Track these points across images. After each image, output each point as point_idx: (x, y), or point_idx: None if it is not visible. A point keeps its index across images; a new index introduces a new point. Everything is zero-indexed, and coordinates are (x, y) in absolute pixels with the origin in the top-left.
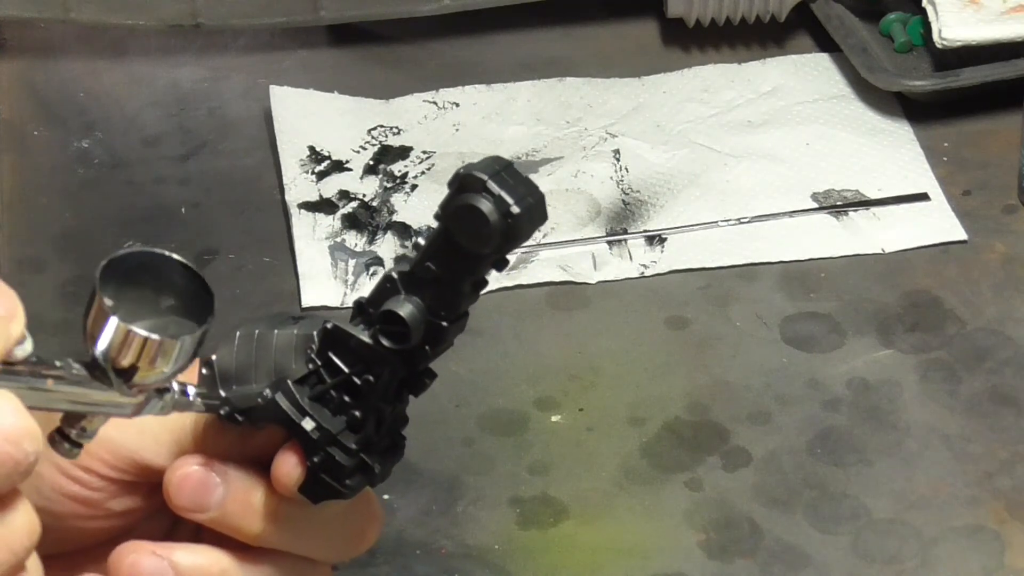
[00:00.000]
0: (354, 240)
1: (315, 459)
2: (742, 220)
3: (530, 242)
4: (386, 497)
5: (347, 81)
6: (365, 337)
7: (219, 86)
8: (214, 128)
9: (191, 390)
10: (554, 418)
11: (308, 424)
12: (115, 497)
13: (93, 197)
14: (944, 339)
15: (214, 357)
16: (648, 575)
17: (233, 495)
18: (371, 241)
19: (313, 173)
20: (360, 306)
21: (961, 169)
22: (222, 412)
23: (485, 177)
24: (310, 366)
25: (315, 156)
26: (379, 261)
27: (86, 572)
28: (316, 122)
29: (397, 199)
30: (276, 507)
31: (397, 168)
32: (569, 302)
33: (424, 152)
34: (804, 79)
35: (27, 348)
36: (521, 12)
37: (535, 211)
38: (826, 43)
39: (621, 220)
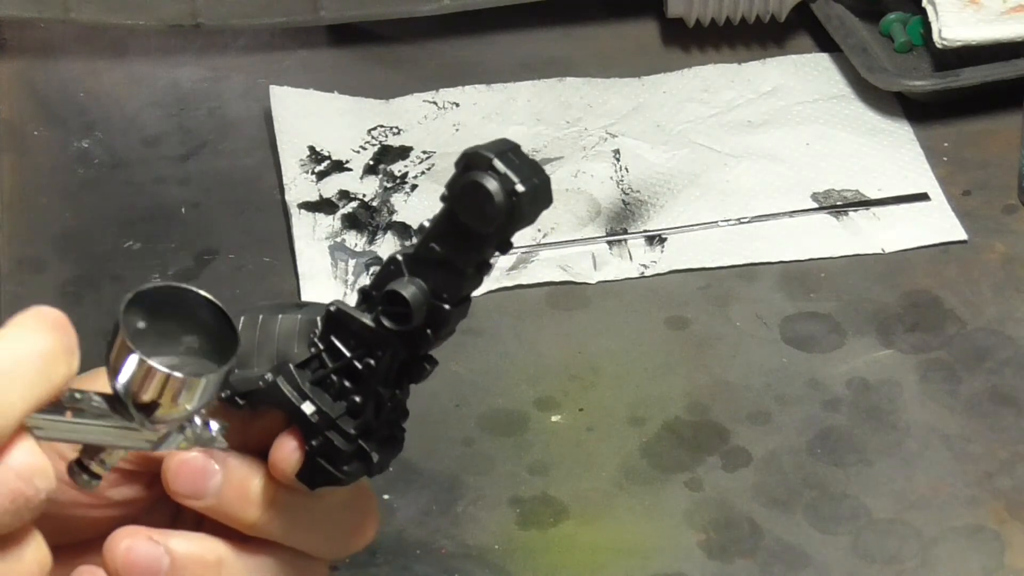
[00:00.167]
0: (354, 240)
1: (313, 443)
2: (742, 220)
3: (530, 242)
4: (386, 497)
5: (347, 81)
6: (368, 320)
7: (219, 86)
8: (214, 128)
9: (214, 426)
10: (554, 418)
11: (308, 408)
12: (116, 486)
13: (93, 197)
14: (944, 339)
15: None
16: (648, 575)
17: (231, 482)
18: (371, 241)
19: (313, 173)
20: (365, 293)
21: (961, 169)
22: (223, 396)
23: (491, 155)
24: (312, 350)
25: (315, 156)
26: (379, 261)
27: (87, 564)
28: (316, 122)
29: (397, 199)
30: (274, 495)
31: (397, 168)
32: (569, 302)
33: (424, 152)
34: (804, 79)
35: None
36: (521, 12)
37: (540, 192)
38: (826, 43)
39: (621, 220)
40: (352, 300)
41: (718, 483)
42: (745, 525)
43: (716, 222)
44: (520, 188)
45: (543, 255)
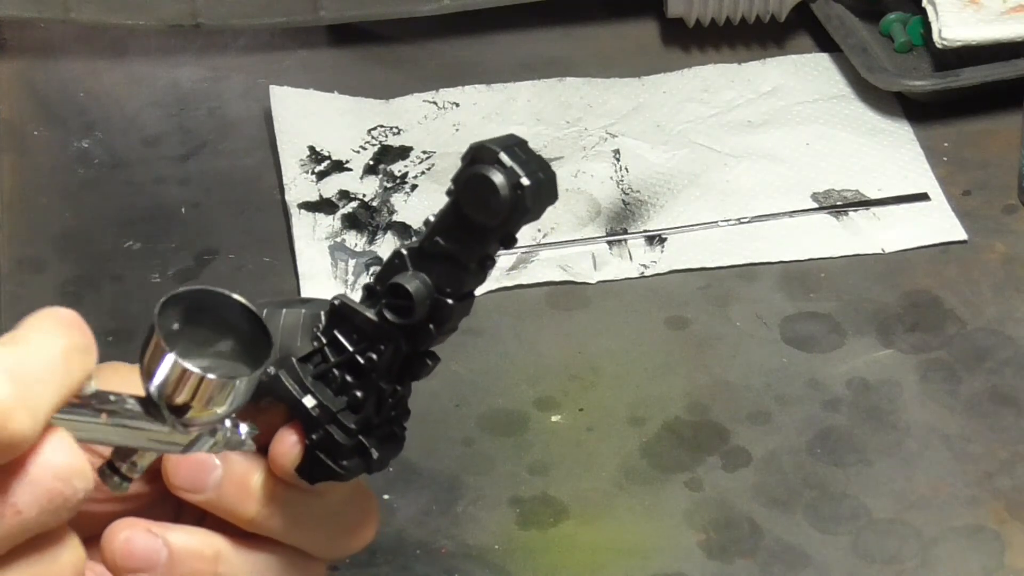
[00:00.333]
0: (354, 240)
1: (314, 436)
2: (742, 220)
3: (530, 242)
4: (386, 497)
5: (347, 81)
6: (371, 314)
7: (219, 86)
8: (214, 128)
9: (244, 429)
10: (554, 418)
11: (309, 401)
12: None
13: (93, 197)
14: (944, 339)
15: None
16: (648, 575)
17: (231, 477)
18: (371, 241)
19: (313, 173)
20: (370, 290)
21: (961, 169)
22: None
23: (498, 149)
24: (315, 344)
25: (315, 156)
26: (379, 261)
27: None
28: (316, 122)
29: (397, 199)
30: (273, 491)
31: (397, 168)
32: (569, 302)
33: (424, 152)
34: (804, 79)
35: (92, 385)
36: (521, 12)
37: (545, 187)
38: (826, 43)
39: (621, 220)
40: (354, 298)
41: (718, 483)
42: (745, 525)
43: (716, 222)
44: (525, 182)
45: (543, 255)
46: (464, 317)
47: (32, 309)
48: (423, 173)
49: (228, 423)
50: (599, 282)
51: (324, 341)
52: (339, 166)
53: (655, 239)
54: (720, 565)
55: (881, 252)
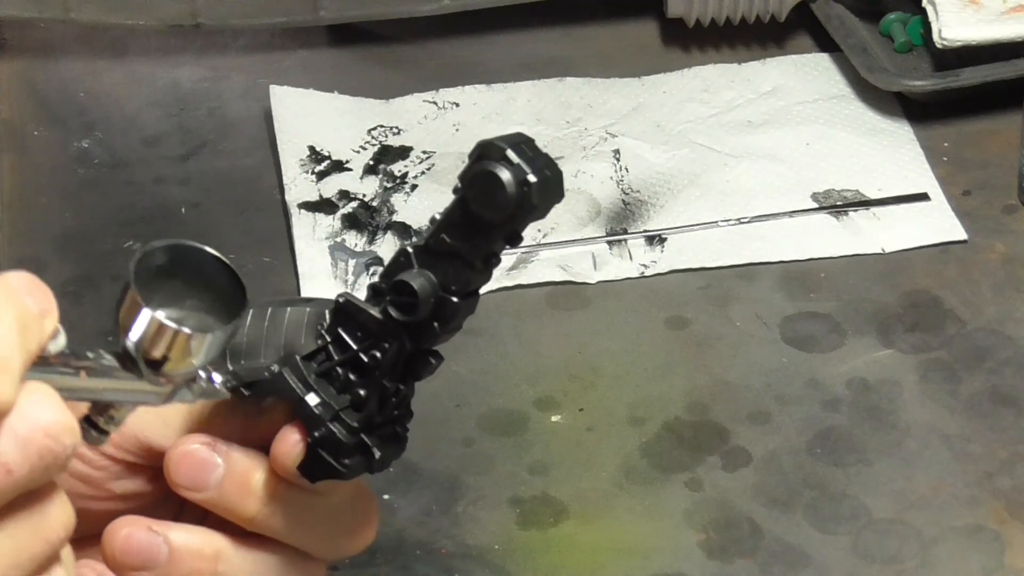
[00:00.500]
0: (354, 240)
1: (316, 434)
2: (742, 220)
3: (530, 242)
4: (386, 497)
5: (347, 81)
6: (375, 311)
7: (219, 86)
8: (214, 128)
9: (217, 378)
10: (554, 418)
11: (312, 399)
12: (119, 478)
13: (93, 197)
14: (944, 339)
15: None
16: (648, 575)
17: (232, 475)
18: (371, 241)
19: (313, 173)
20: (375, 289)
21: (961, 169)
22: (228, 385)
23: (505, 146)
24: (319, 342)
25: (315, 156)
26: (379, 261)
27: (90, 558)
28: (316, 122)
29: (397, 199)
30: (275, 490)
31: (397, 168)
32: (569, 302)
33: (424, 152)
34: (804, 79)
35: (60, 343)
36: (521, 12)
37: (552, 184)
38: (826, 43)
39: (621, 220)
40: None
41: (718, 483)
42: (745, 525)
43: (716, 222)
44: (532, 179)
45: (543, 255)
46: (469, 316)
47: None
48: (423, 173)
49: (203, 374)
50: (599, 282)
51: (328, 339)
52: (339, 166)
53: (655, 239)
54: (720, 565)
55: (881, 252)
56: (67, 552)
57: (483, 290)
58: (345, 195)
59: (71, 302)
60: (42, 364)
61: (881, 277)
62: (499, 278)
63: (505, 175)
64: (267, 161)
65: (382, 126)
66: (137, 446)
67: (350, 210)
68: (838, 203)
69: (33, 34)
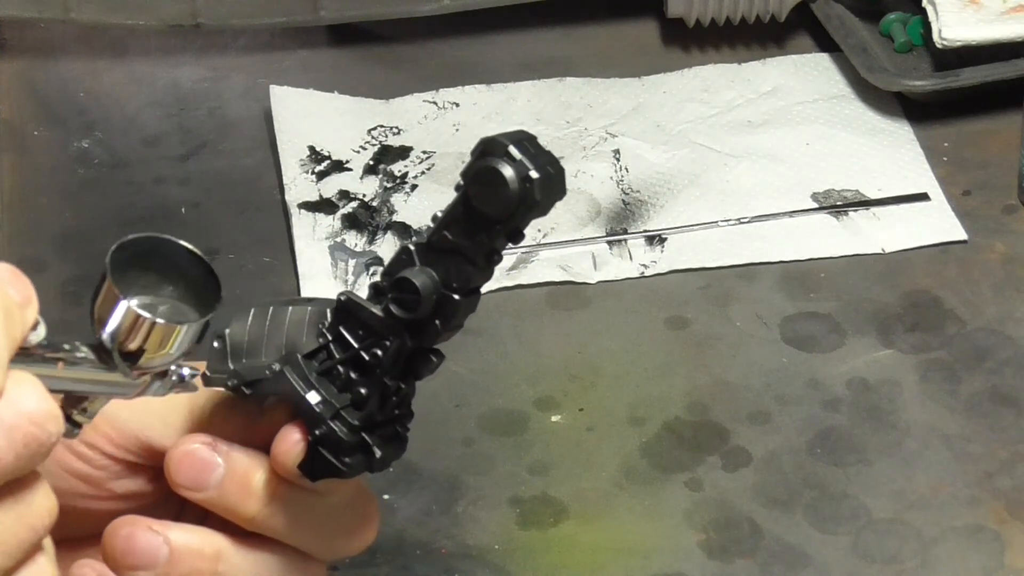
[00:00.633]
0: (354, 240)
1: (317, 432)
2: (742, 220)
3: (530, 242)
4: (386, 497)
5: (347, 81)
6: (377, 309)
7: (219, 86)
8: (214, 128)
9: (187, 371)
10: (554, 418)
11: (313, 397)
12: (119, 478)
13: (93, 197)
14: (944, 339)
15: (227, 331)
16: (648, 575)
17: (233, 475)
18: (371, 241)
19: (313, 173)
20: (377, 287)
21: (961, 169)
22: (229, 384)
23: (507, 142)
24: (320, 340)
25: (315, 156)
26: (379, 261)
27: (90, 558)
28: (316, 122)
29: (397, 199)
30: (275, 490)
31: (397, 168)
32: (569, 302)
33: (424, 152)
34: (804, 79)
35: (40, 333)
36: (521, 12)
37: (554, 181)
38: (826, 43)
39: (621, 220)
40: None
41: (718, 483)
42: (745, 525)
43: (716, 222)
44: (534, 175)
45: (543, 255)
46: (470, 314)
47: None
48: (423, 173)
49: (175, 367)
50: (599, 282)
51: (329, 338)
52: (339, 166)
53: (655, 239)
54: (720, 565)
55: (881, 252)
56: (48, 542)
57: (483, 290)
58: (345, 195)
59: (71, 302)
60: (22, 354)
61: (881, 277)
62: (499, 278)
63: (508, 171)
64: (267, 161)
65: (382, 126)
66: (138, 446)
67: (350, 210)
68: (838, 203)
69: (33, 34)
